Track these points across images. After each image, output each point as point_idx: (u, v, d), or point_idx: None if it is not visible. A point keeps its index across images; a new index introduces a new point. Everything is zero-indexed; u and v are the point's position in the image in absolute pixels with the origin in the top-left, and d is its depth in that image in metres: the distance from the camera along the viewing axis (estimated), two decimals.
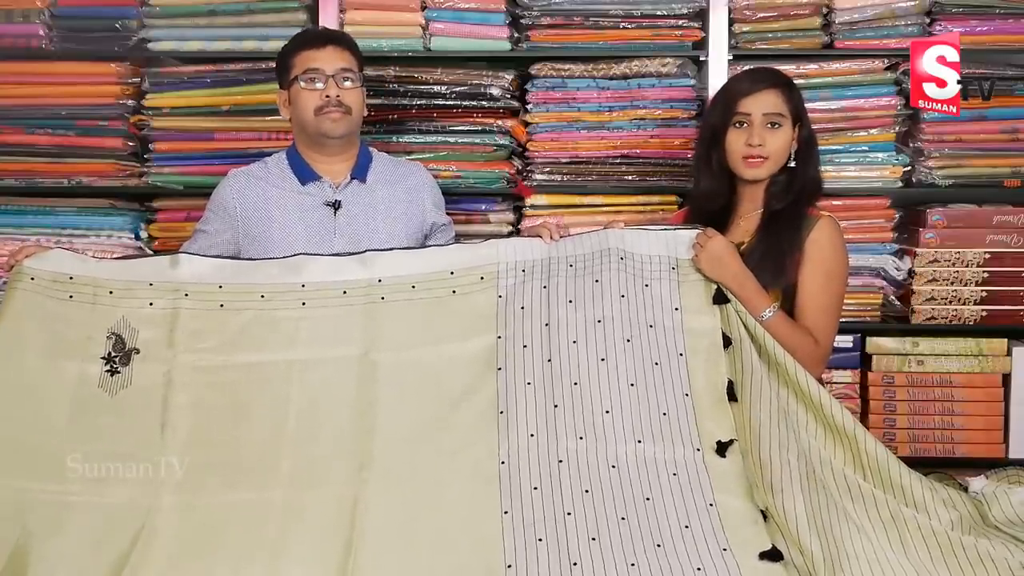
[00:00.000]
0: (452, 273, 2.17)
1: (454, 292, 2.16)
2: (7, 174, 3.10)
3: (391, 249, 2.24)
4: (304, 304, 2.15)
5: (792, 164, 2.34)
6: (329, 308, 2.14)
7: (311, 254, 2.22)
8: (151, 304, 2.14)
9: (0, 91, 3.07)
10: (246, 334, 2.12)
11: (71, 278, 2.14)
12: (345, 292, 2.15)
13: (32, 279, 2.14)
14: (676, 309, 2.16)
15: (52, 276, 2.14)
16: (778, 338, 2.11)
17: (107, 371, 2.09)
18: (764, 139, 2.30)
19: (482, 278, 2.17)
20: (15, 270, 2.16)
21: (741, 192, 2.39)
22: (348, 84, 2.48)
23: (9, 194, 3.12)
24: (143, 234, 3.09)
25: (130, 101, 3.07)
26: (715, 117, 2.38)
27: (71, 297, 2.13)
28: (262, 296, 2.15)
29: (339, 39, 2.53)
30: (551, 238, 2.21)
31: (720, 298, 2.15)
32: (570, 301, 2.15)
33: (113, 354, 2.10)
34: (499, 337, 2.12)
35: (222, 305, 2.14)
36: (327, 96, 2.44)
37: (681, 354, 2.12)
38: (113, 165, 3.08)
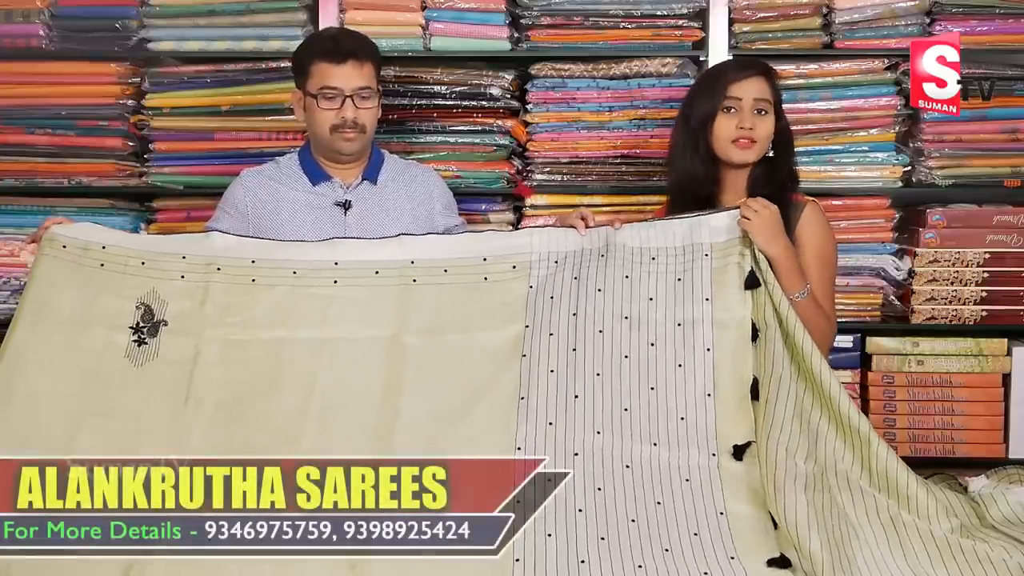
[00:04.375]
0: (485, 259, 2.18)
1: (486, 279, 2.16)
2: (7, 174, 3.10)
3: (426, 234, 2.24)
4: (336, 282, 2.16)
5: (771, 153, 2.37)
6: (361, 287, 2.15)
7: (344, 237, 2.23)
8: (183, 277, 2.15)
9: (0, 91, 3.07)
10: (277, 310, 2.13)
11: (104, 247, 2.16)
12: (378, 272, 2.16)
13: (64, 247, 2.16)
14: (707, 300, 2.13)
15: (84, 244, 2.16)
16: (806, 318, 2.10)
17: (134, 341, 2.10)
18: (754, 124, 2.33)
19: (514, 267, 2.18)
20: (46, 236, 2.17)
21: (723, 181, 2.40)
22: (366, 103, 2.47)
23: (9, 194, 3.12)
24: (143, 234, 3.08)
25: (130, 101, 3.07)
26: (702, 103, 2.38)
27: (102, 266, 2.15)
28: (295, 272, 2.16)
29: (359, 52, 2.48)
30: (585, 227, 2.20)
31: (752, 282, 2.12)
32: (599, 290, 2.14)
33: (141, 324, 2.11)
34: (527, 326, 2.12)
35: (254, 280, 2.16)
36: (343, 117, 2.44)
37: (709, 349, 2.10)
38: (113, 165, 3.08)
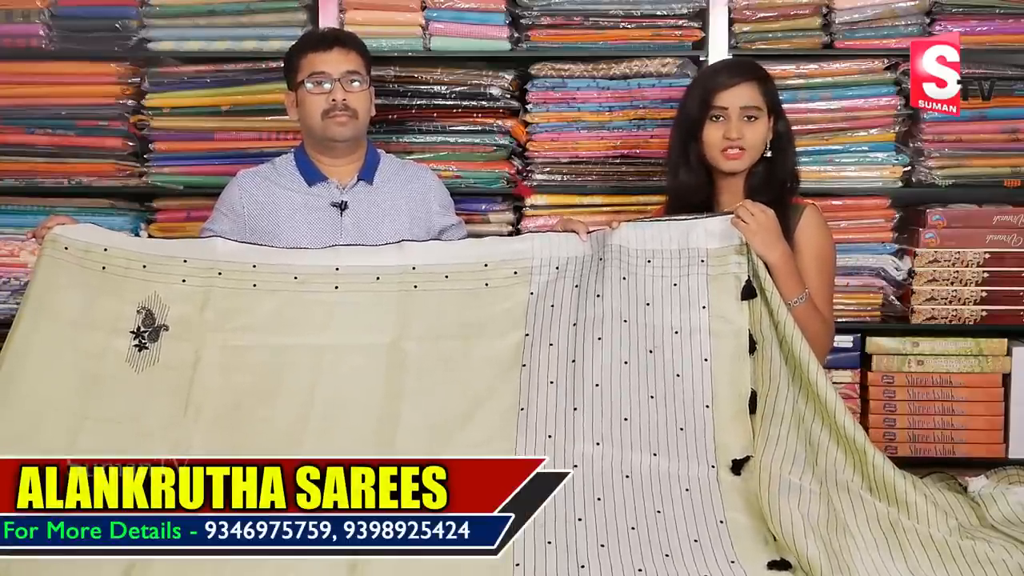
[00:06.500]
0: (486, 265, 2.17)
1: (486, 285, 2.16)
2: (7, 174, 3.10)
3: (428, 240, 2.22)
4: (337, 288, 2.15)
5: (769, 155, 2.35)
6: (362, 293, 2.15)
7: (346, 245, 2.24)
8: (184, 281, 2.14)
9: (0, 91, 3.07)
10: (278, 316, 2.13)
11: (105, 250, 2.16)
12: (378, 278, 2.16)
13: (66, 248, 2.15)
14: (703, 307, 2.12)
15: (86, 246, 2.15)
16: (803, 323, 2.08)
17: (135, 346, 2.09)
18: (742, 132, 2.30)
19: (515, 273, 2.17)
20: (49, 237, 2.17)
21: (720, 185, 2.39)
22: (355, 86, 2.48)
23: (9, 194, 3.12)
24: (143, 234, 3.08)
25: (130, 101, 3.07)
26: (691, 111, 2.36)
27: (104, 268, 2.14)
28: (295, 278, 2.16)
29: (346, 40, 2.53)
30: (586, 234, 2.20)
31: (748, 292, 2.10)
32: (598, 295, 2.13)
33: (142, 329, 2.10)
34: (527, 335, 2.11)
35: (255, 285, 2.15)
36: (333, 100, 2.45)
37: (706, 360, 2.09)
38: (113, 165, 3.08)
